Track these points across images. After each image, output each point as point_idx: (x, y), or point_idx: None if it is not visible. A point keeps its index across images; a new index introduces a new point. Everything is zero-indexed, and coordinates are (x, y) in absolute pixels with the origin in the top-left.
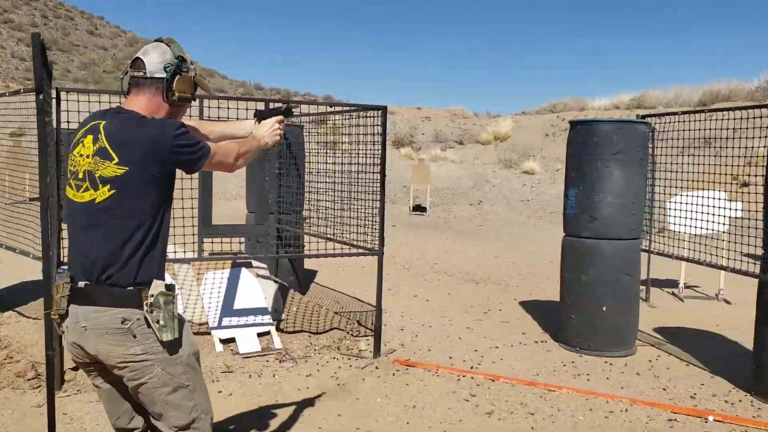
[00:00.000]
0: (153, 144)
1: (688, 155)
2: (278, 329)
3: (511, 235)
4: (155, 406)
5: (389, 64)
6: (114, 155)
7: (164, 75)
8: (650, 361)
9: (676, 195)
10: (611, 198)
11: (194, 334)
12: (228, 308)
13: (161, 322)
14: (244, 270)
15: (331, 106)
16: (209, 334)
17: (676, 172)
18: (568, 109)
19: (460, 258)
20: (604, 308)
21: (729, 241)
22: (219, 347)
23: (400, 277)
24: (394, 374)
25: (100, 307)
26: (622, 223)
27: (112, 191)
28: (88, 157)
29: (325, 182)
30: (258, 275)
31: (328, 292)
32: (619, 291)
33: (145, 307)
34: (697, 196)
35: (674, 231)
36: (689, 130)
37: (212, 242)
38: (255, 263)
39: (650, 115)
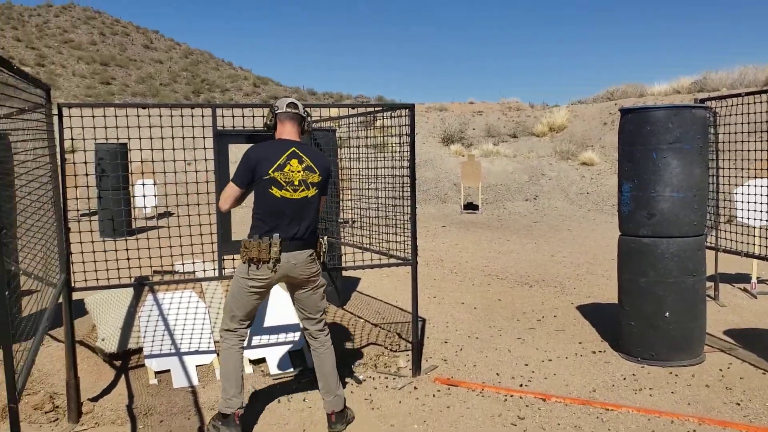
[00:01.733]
0: (328, 167)
1: (756, 140)
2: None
3: (569, 230)
4: (318, 298)
5: (444, 62)
6: (317, 170)
7: (304, 114)
8: (721, 370)
9: (743, 184)
10: (670, 192)
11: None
12: (258, 326)
13: (326, 253)
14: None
15: (353, 108)
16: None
17: (743, 160)
18: (627, 96)
19: (513, 258)
20: (667, 314)
21: None
22: (248, 369)
23: (447, 283)
24: (434, 395)
25: (303, 250)
26: (684, 218)
27: (316, 190)
28: (299, 172)
29: (353, 189)
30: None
31: (370, 301)
32: (683, 294)
33: (321, 247)
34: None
35: (743, 224)
36: (756, 113)
37: (233, 259)
38: None
39: (710, 99)
